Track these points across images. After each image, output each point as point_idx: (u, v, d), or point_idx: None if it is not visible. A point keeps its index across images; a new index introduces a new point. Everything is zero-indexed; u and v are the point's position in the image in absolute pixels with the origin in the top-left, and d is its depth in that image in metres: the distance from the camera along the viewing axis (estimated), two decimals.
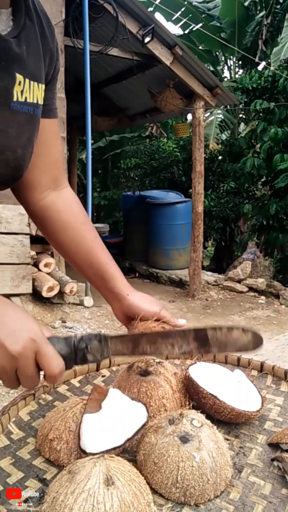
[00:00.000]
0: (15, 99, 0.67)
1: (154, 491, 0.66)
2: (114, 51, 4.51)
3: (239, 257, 6.31)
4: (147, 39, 4.37)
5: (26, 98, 0.70)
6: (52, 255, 4.54)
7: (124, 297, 0.81)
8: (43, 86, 0.74)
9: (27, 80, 0.69)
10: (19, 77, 0.67)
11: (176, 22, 8.74)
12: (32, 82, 0.70)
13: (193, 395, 0.84)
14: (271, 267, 6.64)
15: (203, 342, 0.62)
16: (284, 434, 0.75)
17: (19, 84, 0.67)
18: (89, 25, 4.07)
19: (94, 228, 0.87)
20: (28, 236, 4.00)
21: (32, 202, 0.85)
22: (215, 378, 0.87)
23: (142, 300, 0.81)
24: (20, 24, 0.68)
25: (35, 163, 0.82)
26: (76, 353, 0.58)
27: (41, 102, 0.74)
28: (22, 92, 0.68)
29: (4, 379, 0.55)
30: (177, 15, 8.43)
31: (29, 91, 0.70)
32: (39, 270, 4.28)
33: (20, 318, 0.55)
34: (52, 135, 0.84)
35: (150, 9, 7.88)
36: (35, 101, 0.72)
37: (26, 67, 0.69)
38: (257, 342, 0.64)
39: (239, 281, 5.74)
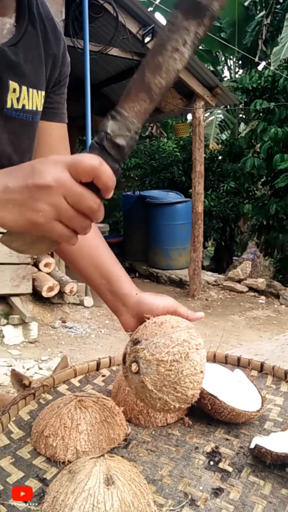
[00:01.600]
0: (9, 105, 0.67)
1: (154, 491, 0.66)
2: (114, 51, 4.50)
3: (239, 257, 6.31)
4: (147, 39, 4.37)
5: (24, 105, 0.69)
6: (52, 255, 4.54)
7: (133, 296, 0.75)
8: (43, 92, 0.74)
9: (24, 88, 0.69)
10: (13, 84, 0.67)
11: None
12: (31, 89, 0.70)
13: None
14: (271, 267, 6.63)
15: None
16: None
17: (14, 91, 0.67)
18: (89, 25, 4.07)
19: (99, 232, 0.84)
20: None
21: None
22: (215, 378, 0.87)
23: (153, 296, 0.75)
24: (21, 32, 0.68)
25: None
26: (103, 146, 0.51)
27: (40, 109, 0.74)
28: (18, 99, 0.68)
29: (61, 221, 0.49)
30: None
31: (28, 98, 0.70)
32: (39, 270, 4.28)
33: (46, 159, 0.51)
34: (58, 140, 0.82)
35: (150, 9, 7.88)
36: (34, 108, 0.72)
37: (24, 74, 0.69)
38: None
39: (239, 281, 5.74)
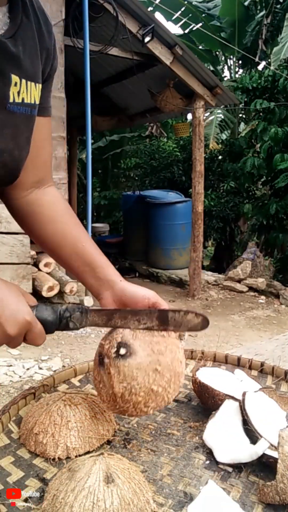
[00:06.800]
0: (11, 100, 0.67)
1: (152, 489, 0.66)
2: (114, 51, 4.50)
3: (239, 257, 6.31)
4: (147, 39, 4.36)
5: (23, 99, 0.69)
6: None
7: (118, 283, 0.79)
8: (40, 85, 0.73)
9: (23, 81, 0.68)
10: (14, 78, 0.66)
11: (176, 21, 8.74)
12: (29, 82, 0.69)
13: (208, 400, 0.85)
14: (271, 267, 6.64)
15: (163, 321, 0.72)
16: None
17: (15, 85, 0.67)
18: (89, 25, 4.07)
19: (80, 223, 0.86)
20: (28, 236, 4.00)
21: (14, 198, 0.83)
22: (220, 380, 0.88)
23: (136, 286, 0.79)
24: (17, 23, 0.67)
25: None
26: (60, 320, 0.67)
27: (38, 102, 0.73)
28: (19, 93, 0.68)
29: None
30: (177, 14, 8.42)
31: (27, 92, 0.69)
32: (39, 269, 4.28)
33: (16, 301, 0.62)
34: (45, 136, 0.81)
35: (150, 8, 7.88)
36: (32, 102, 0.71)
37: (23, 67, 0.68)
38: (204, 324, 0.74)
39: (239, 281, 5.74)
